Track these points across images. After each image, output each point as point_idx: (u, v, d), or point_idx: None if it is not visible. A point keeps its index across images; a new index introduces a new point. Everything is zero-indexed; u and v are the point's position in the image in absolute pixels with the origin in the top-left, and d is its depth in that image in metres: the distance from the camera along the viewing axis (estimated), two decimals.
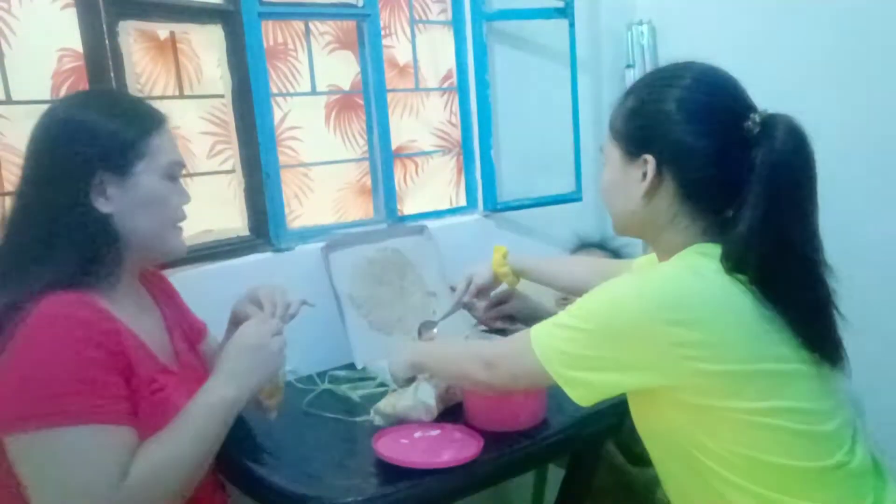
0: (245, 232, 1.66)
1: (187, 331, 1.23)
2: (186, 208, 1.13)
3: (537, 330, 1.01)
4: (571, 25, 2.04)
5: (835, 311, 0.96)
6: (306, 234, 1.73)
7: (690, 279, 0.93)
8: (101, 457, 0.90)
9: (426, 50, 2.05)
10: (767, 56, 1.93)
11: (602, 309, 0.96)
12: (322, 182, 1.88)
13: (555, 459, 1.62)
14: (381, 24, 1.88)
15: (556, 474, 1.68)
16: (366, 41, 1.85)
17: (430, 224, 1.88)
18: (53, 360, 0.89)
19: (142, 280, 1.16)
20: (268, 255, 1.65)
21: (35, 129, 1.02)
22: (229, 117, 1.64)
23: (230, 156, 1.68)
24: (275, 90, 1.75)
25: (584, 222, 2.07)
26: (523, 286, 1.57)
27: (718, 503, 0.93)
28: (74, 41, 1.38)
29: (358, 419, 1.33)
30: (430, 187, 2.10)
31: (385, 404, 1.27)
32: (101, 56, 1.37)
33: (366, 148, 1.93)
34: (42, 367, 0.89)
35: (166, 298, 1.22)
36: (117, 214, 1.01)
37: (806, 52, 1.88)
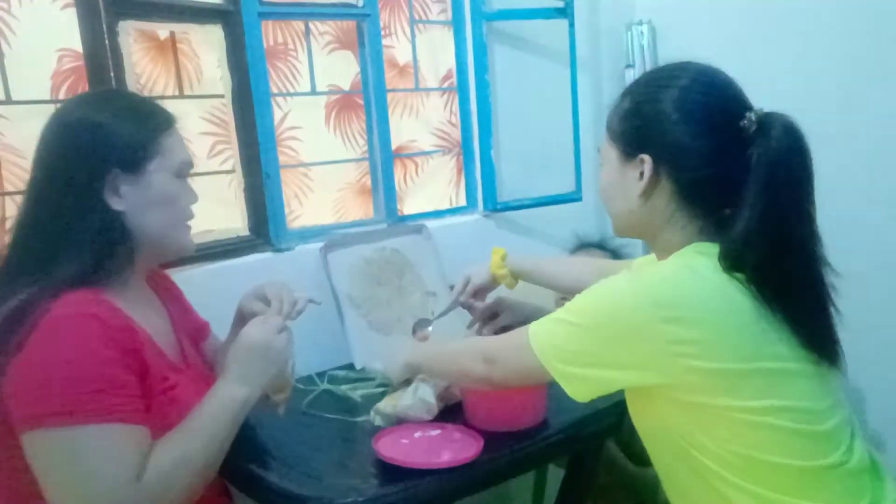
0: (245, 232, 1.66)
1: (191, 329, 1.25)
2: None
3: (535, 326, 1.01)
4: (571, 25, 2.04)
5: (833, 310, 0.97)
6: (306, 234, 1.73)
7: (687, 277, 0.93)
8: (118, 455, 0.91)
9: (426, 50, 2.05)
10: (767, 56, 1.93)
11: (599, 306, 0.96)
12: (322, 182, 1.88)
13: (555, 459, 1.62)
14: (381, 24, 1.88)
15: (556, 474, 1.68)
16: (366, 41, 1.85)
17: (430, 224, 1.88)
18: (73, 359, 0.90)
19: (147, 279, 1.17)
20: (268, 254, 1.65)
21: (46, 129, 1.03)
22: (229, 117, 1.64)
23: (230, 156, 1.68)
24: (275, 90, 1.75)
25: (584, 222, 2.07)
26: (522, 287, 1.57)
27: (717, 502, 0.93)
28: (74, 41, 1.38)
29: (358, 419, 1.33)
30: (430, 187, 2.10)
31: (385, 404, 1.27)
32: (101, 56, 1.37)
33: (366, 148, 1.93)
34: (62, 365, 0.89)
35: (171, 297, 1.23)
36: (129, 212, 1.03)
37: (806, 52, 1.88)
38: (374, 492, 1.06)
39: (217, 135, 1.68)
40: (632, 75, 2.20)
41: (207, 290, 1.38)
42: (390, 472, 1.09)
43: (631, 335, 0.91)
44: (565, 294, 1.60)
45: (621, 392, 1.02)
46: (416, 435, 1.21)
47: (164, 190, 1.06)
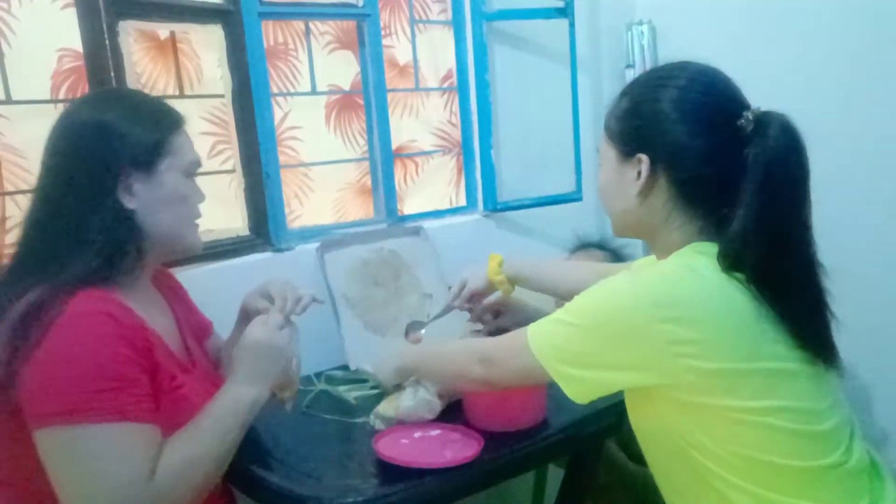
0: (245, 232, 1.66)
1: (195, 328, 1.25)
2: None
3: (534, 327, 1.01)
4: (571, 25, 2.04)
5: (829, 312, 0.97)
6: (306, 234, 1.73)
7: (686, 277, 0.93)
8: (131, 454, 0.91)
9: (426, 50, 2.05)
10: (767, 55, 1.93)
11: (598, 306, 0.96)
12: (322, 182, 1.88)
13: (555, 459, 1.62)
14: (381, 24, 1.88)
15: (556, 474, 1.68)
16: (366, 41, 1.85)
17: (430, 224, 1.88)
18: (88, 357, 0.91)
19: (152, 279, 1.17)
20: (268, 254, 1.65)
21: (57, 128, 1.03)
22: (229, 117, 1.64)
23: (230, 156, 1.68)
24: (275, 90, 1.75)
25: (584, 222, 2.07)
26: (519, 292, 1.56)
27: (716, 503, 0.93)
28: (74, 41, 1.38)
29: (358, 420, 1.33)
30: (430, 187, 2.10)
31: (385, 407, 1.26)
32: (101, 56, 1.37)
33: (366, 148, 1.93)
34: (77, 363, 0.90)
35: (175, 296, 1.24)
36: (141, 210, 1.04)
37: (806, 52, 1.88)
38: (374, 492, 1.06)
39: (217, 135, 1.68)
40: (632, 75, 2.19)
41: (207, 289, 1.38)
42: (390, 472, 1.09)
43: (630, 335, 0.91)
44: (565, 299, 1.59)
45: (621, 392, 1.02)
46: (416, 435, 1.21)
47: (176, 189, 1.08)
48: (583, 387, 0.96)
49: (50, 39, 1.41)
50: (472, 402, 1.25)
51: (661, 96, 0.98)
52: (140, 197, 1.03)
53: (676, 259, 0.97)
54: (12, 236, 1.35)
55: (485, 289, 1.52)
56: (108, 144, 1.01)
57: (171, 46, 1.60)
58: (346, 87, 1.90)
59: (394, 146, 1.94)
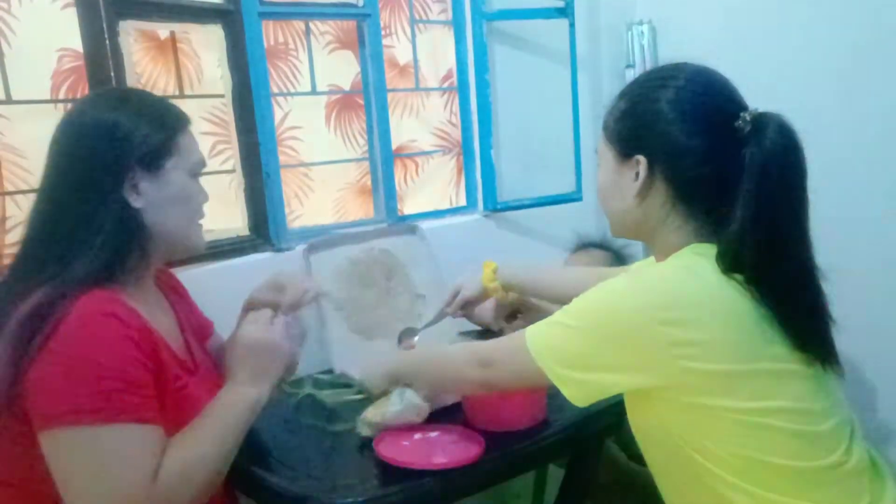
0: (245, 232, 1.66)
1: (197, 328, 1.25)
2: None
3: (533, 328, 1.01)
4: (571, 25, 2.04)
5: (827, 313, 0.96)
6: (306, 234, 1.73)
7: (685, 279, 0.93)
8: (136, 455, 0.91)
9: (426, 50, 2.05)
10: (767, 56, 1.93)
11: (597, 308, 0.96)
12: (322, 182, 1.88)
13: (555, 459, 1.62)
14: (382, 24, 1.88)
15: (556, 474, 1.68)
16: (366, 41, 1.85)
17: (430, 224, 1.88)
18: (94, 359, 0.91)
19: (154, 279, 1.17)
20: (268, 254, 1.65)
21: (63, 128, 1.03)
22: (229, 117, 1.64)
23: (230, 156, 1.68)
24: (275, 90, 1.75)
25: (584, 222, 2.07)
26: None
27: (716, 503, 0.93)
28: (74, 41, 1.38)
29: (343, 428, 1.32)
30: (430, 187, 2.10)
31: (373, 413, 1.21)
32: (101, 56, 1.37)
33: (366, 148, 1.93)
34: (83, 365, 0.90)
35: (177, 296, 1.24)
36: (147, 210, 1.04)
37: (806, 52, 1.88)
38: (373, 492, 1.06)
39: (217, 134, 1.68)
40: (632, 75, 2.19)
41: (207, 289, 1.38)
42: (390, 472, 1.09)
43: (630, 337, 0.91)
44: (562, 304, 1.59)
45: (620, 392, 1.02)
46: (417, 436, 1.21)
47: (181, 188, 1.08)
48: (581, 389, 0.96)
49: (50, 39, 1.41)
50: (471, 402, 1.25)
51: (658, 97, 0.98)
52: (146, 196, 1.04)
53: (675, 261, 0.97)
54: (12, 236, 1.35)
55: (479, 296, 1.52)
56: (115, 144, 1.01)
57: (171, 46, 1.60)
58: (347, 87, 1.90)
59: (394, 146, 1.94)
